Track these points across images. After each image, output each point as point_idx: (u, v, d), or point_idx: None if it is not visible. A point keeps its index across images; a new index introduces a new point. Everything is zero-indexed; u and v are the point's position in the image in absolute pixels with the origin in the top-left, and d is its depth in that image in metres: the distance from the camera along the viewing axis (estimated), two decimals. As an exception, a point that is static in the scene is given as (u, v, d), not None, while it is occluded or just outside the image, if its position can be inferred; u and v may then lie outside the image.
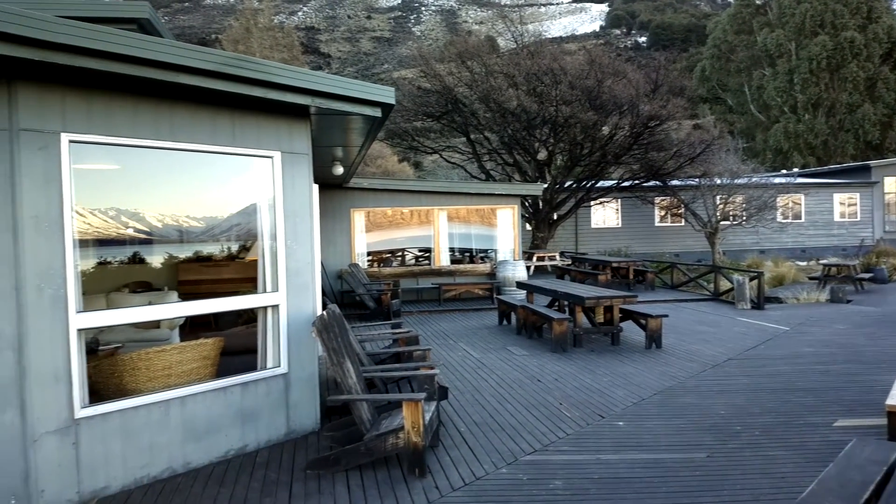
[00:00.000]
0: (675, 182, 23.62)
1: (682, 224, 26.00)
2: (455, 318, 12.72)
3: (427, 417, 4.68)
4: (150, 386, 4.88)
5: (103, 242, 8.57)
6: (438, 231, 15.64)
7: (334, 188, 14.15)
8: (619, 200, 26.42)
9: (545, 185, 21.65)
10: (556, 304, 10.87)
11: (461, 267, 15.71)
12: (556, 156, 23.92)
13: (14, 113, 4.06)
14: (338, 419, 5.80)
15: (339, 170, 10.76)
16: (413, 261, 16.20)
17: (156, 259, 11.67)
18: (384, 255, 15.99)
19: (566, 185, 23.46)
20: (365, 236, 15.52)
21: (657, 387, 6.98)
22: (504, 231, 16.10)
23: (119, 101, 4.52)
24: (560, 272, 18.55)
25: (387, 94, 5.72)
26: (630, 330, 9.90)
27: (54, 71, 4.07)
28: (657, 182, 23.62)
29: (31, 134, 4.12)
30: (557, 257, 20.59)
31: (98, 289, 7.97)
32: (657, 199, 25.90)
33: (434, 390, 5.23)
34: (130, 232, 10.81)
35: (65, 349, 4.24)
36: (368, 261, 15.62)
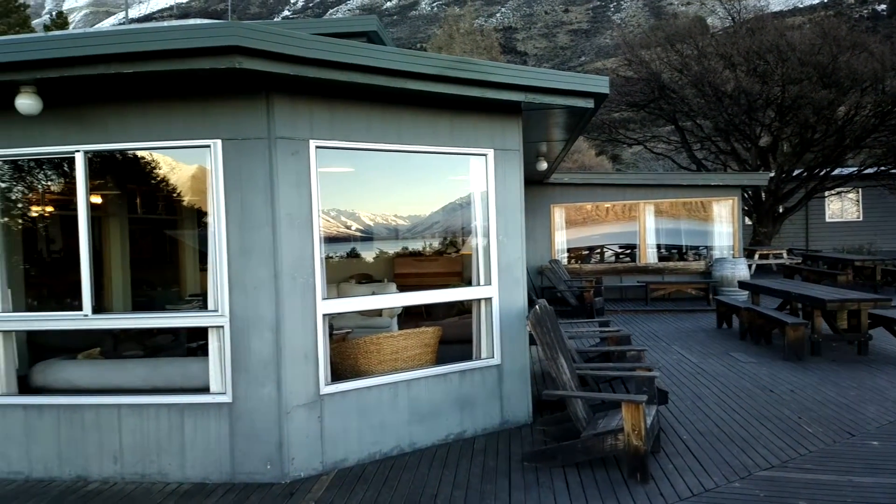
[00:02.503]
0: (933, 167, 19.92)
1: (943, 217, 21.87)
2: (665, 318, 12.03)
3: (648, 421, 4.46)
4: (380, 369, 5.29)
5: (329, 239, 9.54)
6: (644, 226, 14.91)
7: (534, 184, 14.16)
8: (861, 190, 22.93)
9: (771, 175, 19.55)
10: (788, 306, 9.74)
11: (671, 265, 14.81)
12: (782, 141, 21.46)
13: (272, 123, 4.62)
14: (549, 414, 5.79)
15: (543, 165, 10.74)
16: (613, 257, 15.66)
17: (371, 254, 12.72)
18: (583, 252, 15.68)
19: (794, 173, 20.97)
20: (564, 232, 15.35)
21: (923, 406, 5.93)
22: (721, 226, 14.85)
23: (355, 109, 4.95)
24: (788, 271, 16.63)
25: (600, 84, 5.58)
26: (881, 339, 8.55)
27: (303, 84, 4.56)
28: (910, 168, 20.13)
29: (285, 141, 4.67)
30: (784, 255, 18.50)
31: (329, 279, 8.87)
32: (910, 188, 22.04)
33: (654, 393, 4.97)
34: (351, 230, 11.91)
35: (312, 332, 4.75)
36: (567, 257, 15.42)
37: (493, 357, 5.61)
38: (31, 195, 6.96)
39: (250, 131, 4.63)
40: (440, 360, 5.72)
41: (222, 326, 4.67)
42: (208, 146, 4.65)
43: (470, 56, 34.94)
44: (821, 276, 14.71)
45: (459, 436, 5.38)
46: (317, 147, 4.77)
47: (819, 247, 22.34)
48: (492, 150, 5.62)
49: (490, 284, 5.64)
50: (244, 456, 4.68)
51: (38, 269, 7.83)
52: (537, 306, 5.22)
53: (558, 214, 15.16)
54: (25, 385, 5.07)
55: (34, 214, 7.70)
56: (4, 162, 5.17)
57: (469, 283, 5.84)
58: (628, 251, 15.36)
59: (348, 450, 4.88)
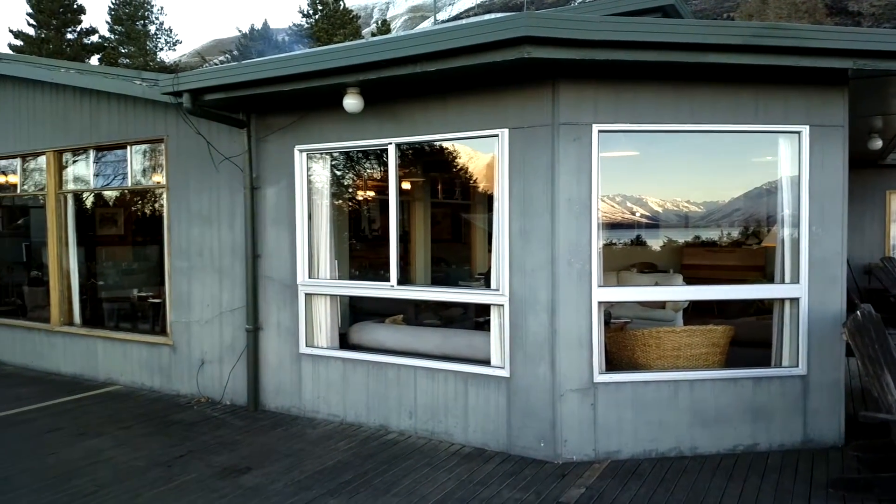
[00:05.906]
0: None
1: None
2: None
3: None
4: (659, 364, 5.03)
5: (612, 225, 9.35)
6: None
7: (864, 166, 11.85)
8: None
9: None
10: None
11: None
12: None
13: (556, 109, 4.68)
14: (867, 438, 4.89)
15: (878, 143, 8.97)
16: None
17: (658, 242, 12.10)
18: (927, 250, 12.71)
19: None
20: (904, 225, 12.62)
21: None
22: None
23: (643, 89, 4.73)
24: None
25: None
26: None
27: (588, 67, 4.49)
28: None
29: (568, 127, 4.69)
30: None
31: (609, 267, 8.74)
32: None
33: None
34: (636, 217, 11.49)
35: (587, 318, 4.72)
36: (907, 255, 12.67)
37: (796, 366, 4.93)
38: (358, 181, 8.21)
39: (535, 119, 4.76)
40: (730, 362, 5.23)
41: (503, 305, 4.93)
42: (496, 135, 4.92)
43: (787, 22, 30.75)
44: None
45: (750, 448, 4.85)
46: (599, 131, 4.69)
47: None
48: (807, 127, 4.88)
49: (797, 283, 4.93)
50: (519, 430, 4.89)
51: (362, 244, 9.24)
52: (859, 311, 4.41)
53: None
54: (344, 341, 6.03)
55: (360, 198, 9.08)
56: (340, 153, 6.15)
57: (771, 280, 5.19)
58: None
59: (622, 442, 4.76)
